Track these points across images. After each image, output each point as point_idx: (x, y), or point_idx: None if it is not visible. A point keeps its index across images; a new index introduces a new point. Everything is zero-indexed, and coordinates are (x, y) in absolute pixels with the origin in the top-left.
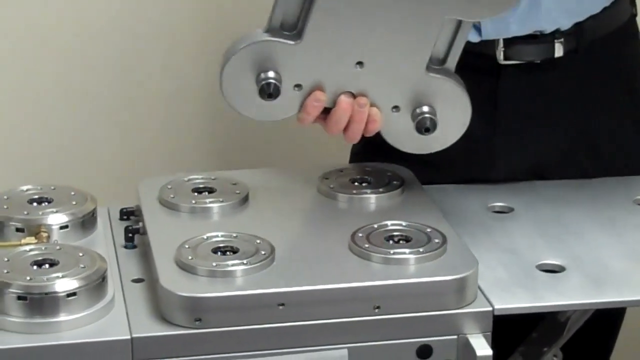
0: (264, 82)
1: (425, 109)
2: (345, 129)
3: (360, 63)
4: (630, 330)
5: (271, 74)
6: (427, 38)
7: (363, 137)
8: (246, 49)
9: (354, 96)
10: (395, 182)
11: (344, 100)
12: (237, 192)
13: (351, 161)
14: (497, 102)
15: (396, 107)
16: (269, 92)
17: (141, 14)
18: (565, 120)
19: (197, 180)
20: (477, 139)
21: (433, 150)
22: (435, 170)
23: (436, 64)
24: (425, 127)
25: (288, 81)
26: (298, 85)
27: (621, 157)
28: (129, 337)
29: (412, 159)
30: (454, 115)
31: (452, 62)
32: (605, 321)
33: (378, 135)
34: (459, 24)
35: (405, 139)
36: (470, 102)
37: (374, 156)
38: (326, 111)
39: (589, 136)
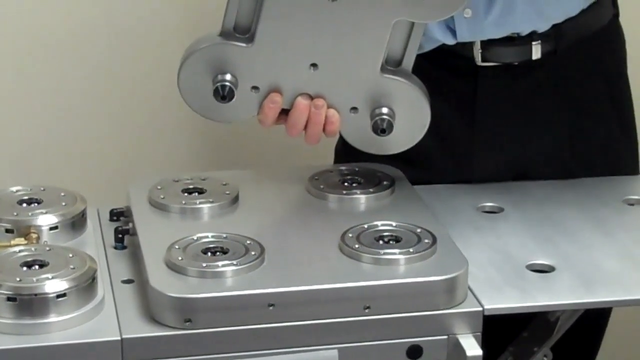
0: (218, 85)
1: (384, 110)
2: (305, 130)
3: (314, 65)
4: (615, 326)
5: (227, 76)
6: (378, 40)
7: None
8: (199, 52)
9: (312, 98)
10: (385, 182)
11: (301, 102)
12: (227, 192)
13: (335, 160)
14: (475, 103)
15: (354, 109)
16: (222, 94)
17: (133, 12)
18: (548, 122)
19: (187, 181)
20: (456, 139)
21: (395, 152)
22: (417, 169)
23: (393, 65)
24: (380, 128)
25: (244, 83)
26: (255, 87)
27: (605, 157)
28: (119, 338)
29: (393, 158)
30: (412, 116)
31: (408, 63)
32: (593, 320)
33: None
34: (412, 25)
35: (366, 140)
36: (428, 104)
37: (355, 154)
38: (288, 112)
39: (573, 137)
